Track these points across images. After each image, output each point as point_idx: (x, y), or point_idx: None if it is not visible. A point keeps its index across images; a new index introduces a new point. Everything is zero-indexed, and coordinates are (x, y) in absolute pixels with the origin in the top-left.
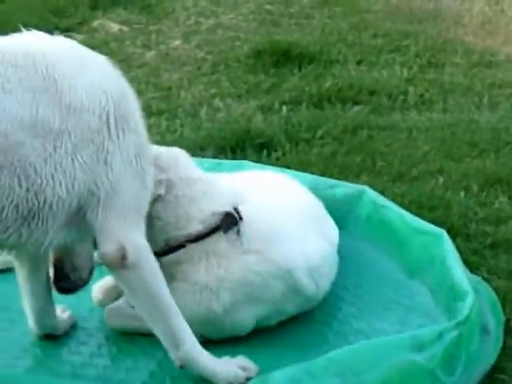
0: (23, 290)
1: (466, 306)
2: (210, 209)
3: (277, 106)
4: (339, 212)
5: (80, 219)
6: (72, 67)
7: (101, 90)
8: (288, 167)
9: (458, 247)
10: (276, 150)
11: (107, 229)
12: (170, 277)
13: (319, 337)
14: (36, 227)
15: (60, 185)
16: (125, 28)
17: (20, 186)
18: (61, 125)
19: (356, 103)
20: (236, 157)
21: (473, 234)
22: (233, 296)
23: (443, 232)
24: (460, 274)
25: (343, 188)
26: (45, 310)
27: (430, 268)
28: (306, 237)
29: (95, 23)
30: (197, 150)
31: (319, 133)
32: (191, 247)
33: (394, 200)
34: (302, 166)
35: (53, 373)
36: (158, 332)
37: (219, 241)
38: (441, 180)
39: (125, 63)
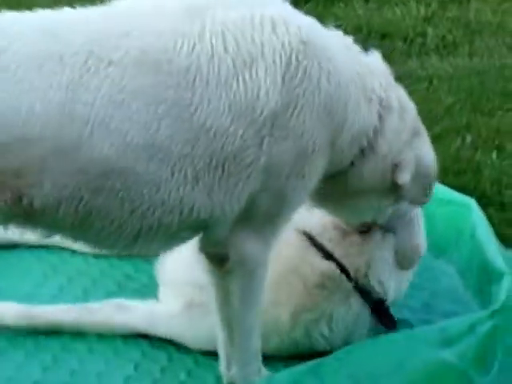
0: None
1: (501, 290)
2: None
3: None
4: None
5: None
6: (220, 73)
7: (255, 111)
8: None
9: (490, 218)
10: None
11: (226, 235)
12: None
13: None
14: (147, 245)
15: (171, 211)
16: None
17: (122, 208)
18: (185, 147)
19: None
20: None
21: (508, 202)
22: None
23: (472, 200)
24: (493, 250)
25: None
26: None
27: (458, 244)
28: None
29: None
30: None
31: None
32: None
33: None
34: None
35: None
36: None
37: None
38: (468, 138)
39: None
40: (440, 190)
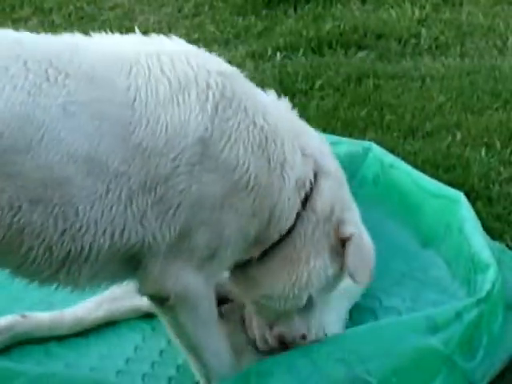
0: None
1: (487, 280)
2: None
3: (270, 52)
4: None
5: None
6: (169, 91)
7: (189, 138)
8: None
9: (478, 212)
10: None
11: (161, 271)
12: None
13: None
14: (74, 274)
15: (104, 233)
16: None
17: (55, 227)
18: (122, 165)
19: (361, 48)
20: None
21: (495, 197)
22: None
23: (461, 195)
24: (480, 242)
25: (346, 145)
26: None
27: (446, 236)
28: None
29: None
30: None
31: (318, 83)
32: None
33: (405, 159)
34: None
35: None
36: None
37: None
38: (458, 136)
39: (94, 5)
40: (430, 184)
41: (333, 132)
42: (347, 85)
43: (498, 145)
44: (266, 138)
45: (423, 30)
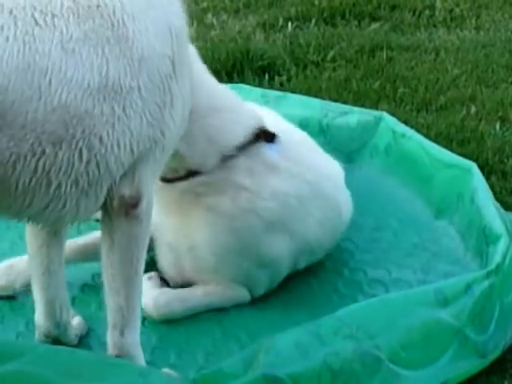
0: (35, 269)
1: (498, 252)
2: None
3: (281, 22)
4: (353, 142)
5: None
6: (139, 3)
7: (167, 26)
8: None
9: (492, 186)
10: (280, 75)
11: (138, 173)
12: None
13: (328, 288)
14: (93, 196)
15: (125, 148)
16: None
17: (80, 159)
18: (132, 80)
19: (374, 19)
20: (233, 82)
21: (510, 171)
22: (270, 215)
23: (473, 165)
24: (492, 213)
25: (357, 115)
26: (59, 301)
27: (458, 207)
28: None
29: None
30: None
31: (331, 54)
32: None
33: (417, 132)
34: (310, 92)
35: None
36: (112, 304)
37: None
38: (473, 109)
39: None
40: (442, 154)
41: (344, 104)
42: (360, 56)
43: None
44: None
45: (438, 2)
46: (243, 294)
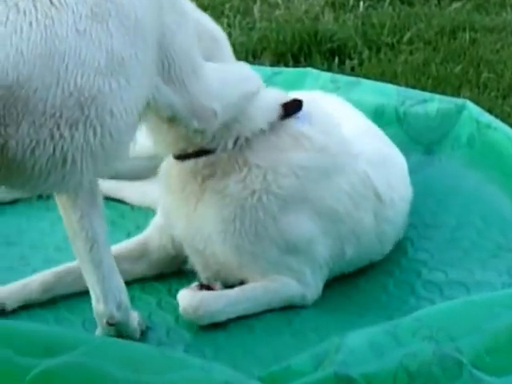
0: (83, 248)
1: None
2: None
3: (352, 1)
4: (432, 133)
5: None
6: None
7: None
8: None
9: None
10: (351, 58)
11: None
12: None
13: (405, 290)
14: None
15: (132, 113)
16: None
17: (95, 135)
18: (131, 48)
19: None
20: (299, 66)
21: None
22: (287, 192)
23: None
24: None
25: (438, 103)
26: (116, 280)
27: None
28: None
29: None
30: (249, 56)
31: (407, 36)
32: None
33: (503, 121)
34: (384, 77)
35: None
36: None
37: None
38: None
39: None
40: None
41: (423, 90)
42: (440, 38)
43: None
44: None
45: None
46: (291, 287)
